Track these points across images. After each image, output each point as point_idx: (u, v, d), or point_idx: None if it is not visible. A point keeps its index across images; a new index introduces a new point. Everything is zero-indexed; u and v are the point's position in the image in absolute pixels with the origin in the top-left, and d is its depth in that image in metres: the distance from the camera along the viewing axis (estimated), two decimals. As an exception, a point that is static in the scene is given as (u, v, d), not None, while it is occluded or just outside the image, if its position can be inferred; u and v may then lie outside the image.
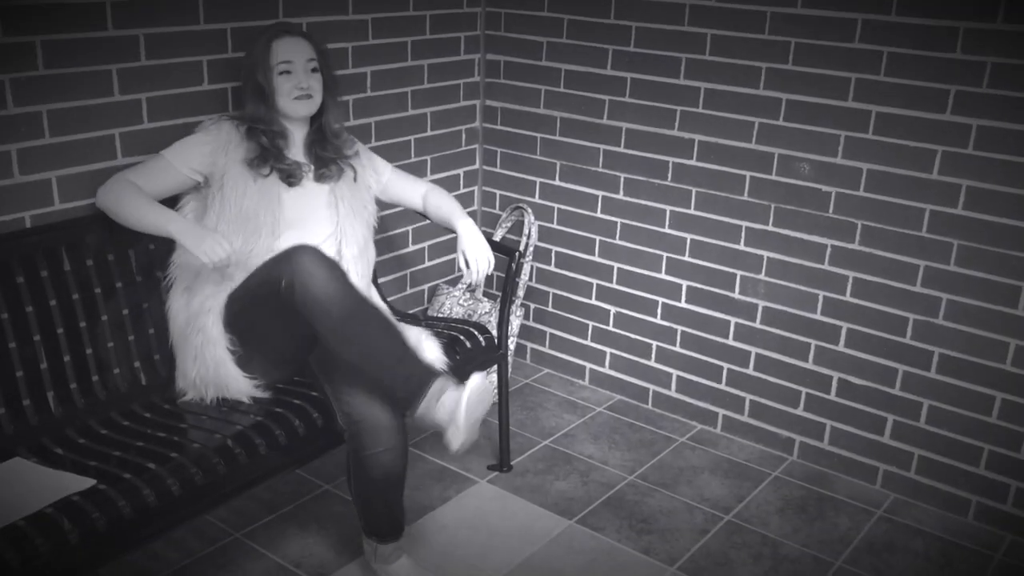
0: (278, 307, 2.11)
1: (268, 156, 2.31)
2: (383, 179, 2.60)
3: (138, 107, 2.36)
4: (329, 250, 2.39)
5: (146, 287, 2.36)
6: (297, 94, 2.31)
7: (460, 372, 2.55)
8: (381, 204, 2.63)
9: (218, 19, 2.47)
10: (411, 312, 3.23)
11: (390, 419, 2.12)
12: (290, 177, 2.34)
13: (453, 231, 2.55)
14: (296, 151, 2.40)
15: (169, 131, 2.43)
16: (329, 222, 2.40)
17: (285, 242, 2.31)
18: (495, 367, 2.92)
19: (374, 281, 2.67)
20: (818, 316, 2.82)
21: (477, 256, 2.48)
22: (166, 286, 2.35)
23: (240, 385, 2.24)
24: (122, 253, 2.31)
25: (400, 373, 2.08)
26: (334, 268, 2.09)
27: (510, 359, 3.16)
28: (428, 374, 2.09)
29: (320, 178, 2.41)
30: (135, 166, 2.27)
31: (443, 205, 2.60)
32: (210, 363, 2.21)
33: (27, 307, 2.14)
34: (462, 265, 2.49)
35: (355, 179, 2.47)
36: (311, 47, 2.34)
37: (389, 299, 3.07)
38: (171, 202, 2.31)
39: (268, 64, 2.30)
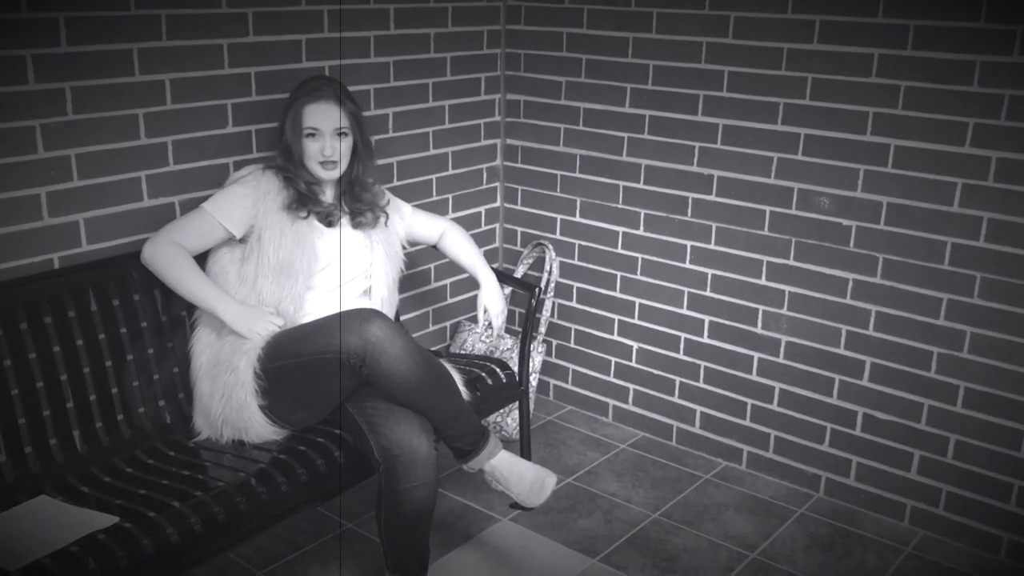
0: (335, 371, 2.17)
1: (306, 200, 2.36)
2: (406, 221, 2.65)
3: (164, 150, 2.42)
4: (359, 288, 2.45)
5: (171, 326, 2.39)
6: (321, 159, 2.35)
7: (481, 408, 2.56)
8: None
9: (242, 63, 2.53)
10: (433, 349, 3.25)
11: (427, 451, 2.17)
12: (328, 217, 2.40)
13: (474, 278, 2.68)
14: (330, 197, 2.45)
15: (194, 173, 2.48)
16: (362, 264, 2.46)
17: (319, 286, 2.36)
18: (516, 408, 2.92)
19: (397, 319, 2.70)
20: (841, 351, 2.80)
21: (497, 311, 2.64)
22: (191, 324, 2.39)
23: (261, 430, 2.28)
24: (147, 293, 2.35)
25: (457, 430, 2.26)
26: (406, 339, 2.19)
27: (532, 396, 3.16)
28: (482, 433, 2.29)
29: (357, 225, 2.47)
30: (179, 222, 2.30)
31: (466, 252, 2.71)
32: (235, 404, 2.24)
33: (54, 347, 2.18)
34: (481, 317, 2.65)
35: (386, 224, 2.53)
36: (344, 114, 2.35)
37: (411, 335, 3.09)
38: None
39: (298, 127, 2.33)
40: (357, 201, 2.46)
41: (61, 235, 2.27)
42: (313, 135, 2.33)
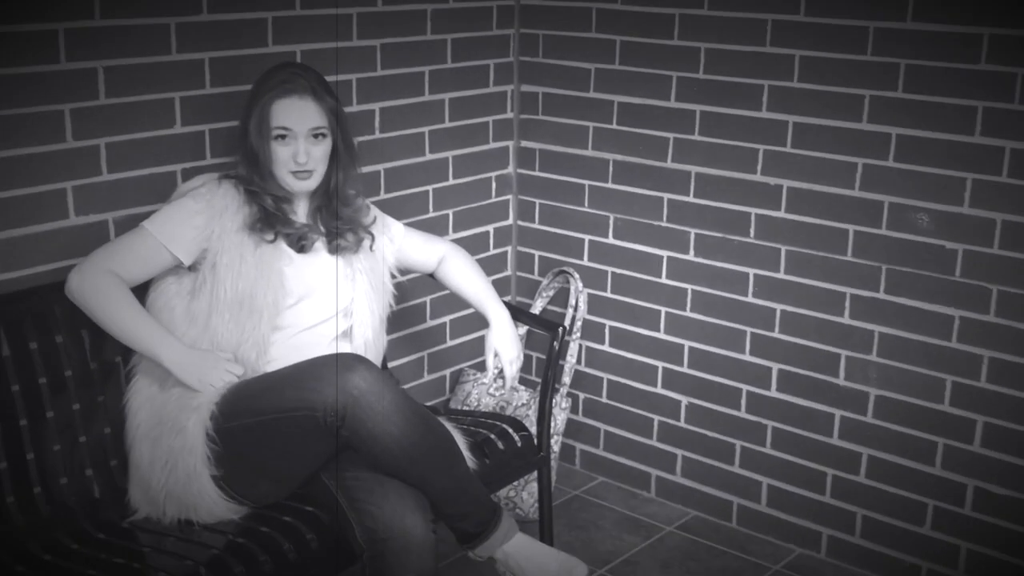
0: (307, 431, 2.18)
1: (273, 220, 2.37)
2: (396, 244, 2.66)
3: (95, 155, 2.44)
4: (334, 331, 2.45)
5: (102, 375, 2.40)
6: (294, 167, 2.36)
7: (490, 480, 2.56)
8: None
9: (194, 48, 2.56)
10: (429, 404, 3.25)
11: (423, 534, 2.16)
12: (301, 240, 2.41)
13: (482, 315, 2.69)
14: (302, 215, 2.47)
15: (132, 183, 2.50)
16: (341, 299, 2.47)
17: (288, 325, 2.37)
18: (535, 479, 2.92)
19: (384, 366, 2.70)
20: (946, 407, 2.79)
21: (511, 358, 2.65)
22: (128, 373, 2.39)
23: (213, 507, 2.27)
24: (73, 334, 2.36)
25: (462, 508, 2.27)
26: (396, 392, 2.20)
27: (554, 464, 3.15)
28: (493, 512, 2.30)
29: (336, 250, 2.47)
30: (113, 245, 2.32)
31: (470, 282, 2.72)
32: (181, 474, 2.24)
33: (-44, 401, 2.19)
34: (491, 364, 2.65)
35: (372, 248, 2.54)
36: (321, 112, 2.37)
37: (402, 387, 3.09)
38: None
39: (265, 128, 2.34)
40: (335, 219, 2.48)
41: (-34, 261, 2.30)
42: (283, 137, 2.35)
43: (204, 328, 2.32)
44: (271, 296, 2.33)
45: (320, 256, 2.46)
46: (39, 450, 2.28)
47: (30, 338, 2.30)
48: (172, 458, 2.25)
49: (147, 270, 2.32)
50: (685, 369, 3.24)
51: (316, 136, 2.37)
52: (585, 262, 3.38)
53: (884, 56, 2.71)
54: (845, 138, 2.81)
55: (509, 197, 3.49)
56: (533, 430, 2.77)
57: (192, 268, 2.34)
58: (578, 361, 3.42)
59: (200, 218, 2.32)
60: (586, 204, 3.33)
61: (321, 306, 2.44)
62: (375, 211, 2.63)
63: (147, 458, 2.30)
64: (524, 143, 3.44)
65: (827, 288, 2.92)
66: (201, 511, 2.27)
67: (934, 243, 2.74)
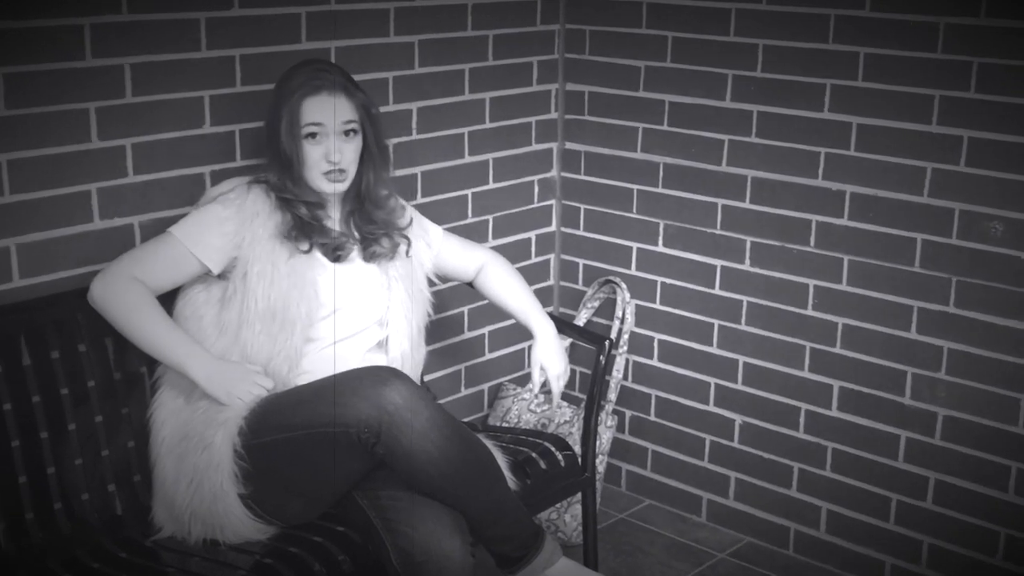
0: (340, 448, 2.19)
1: (309, 230, 2.38)
2: (434, 249, 2.67)
3: (121, 155, 2.47)
4: (371, 340, 2.47)
5: (126, 387, 2.42)
6: (326, 168, 2.37)
7: (532, 501, 2.56)
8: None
9: (224, 44, 2.59)
10: (467, 420, 3.26)
11: (462, 557, 2.17)
12: (337, 250, 2.42)
13: (525, 327, 2.69)
14: (336, 222, 2.49)
15: (159, 186, 2.53)
16: (376, 309, 2.48)
17: (321, 336, 2.39)
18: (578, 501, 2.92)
19: (421, 381, 2.71)
20: (1021, 430, 2.77)
21: (558, 373, 2.65)
22: (153, 385, 2.42)
23: (240, 527, 2.29)
24: (96, 343, 2.39)
25: (502, 530, 2.27)
26: (433, 408, 2.21)
27: (599, 486, 3.14)
28: (535, 535, 2.30)
29: (370, 257, 2.48)
30: (139, 251, 2.34)
31: (512, 292, 2.72)
32: (207, 492, 2.26)
33: (-26, 412, 2.22)
34: (536, 380, 2.65)
35: (408, 253, 2.55)
36: (352, 106, 2.39)
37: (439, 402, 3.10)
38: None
39: (295, 127, 2.35)
40: (369, 223, 2.49)
41: (-14, 266, 2.33)
42: (314, 135, 2.36)
43: (234, 339, 2.34)
44: (304, 308, 2.35)
45: (355, 264, 2.47)
46: (60, 464, 2.31)
47: (52, 347, 2.33)
48: (197, 476, 2.27)
49: (174, 278, 2.34)
50: (739, 386, 3.22)
51: (348, 133, 2.38)
52: (633, 271, 3.37)
53: (955, 54, 2.70)
54: (913, 141, 2.80)
55: (552, 202, 3.50)
56: (577, 449, 2.77)
57: (222, 276, 2.36)
58: (625, 377, 3.42)
59: (230, 225, 2.34)
60: (634, 210, 3.33)
61: (356, 317, 2.45)
62: (412, 212, 2.63)
63: (172, 475, 2.32)
64: (569, 145, 3.44)
65: (892, 301, 2.90)
66: (227, 531, 2.29)
67: (1008, 253, 2.71)
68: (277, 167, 2.39)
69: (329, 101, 2.36)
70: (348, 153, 2.39)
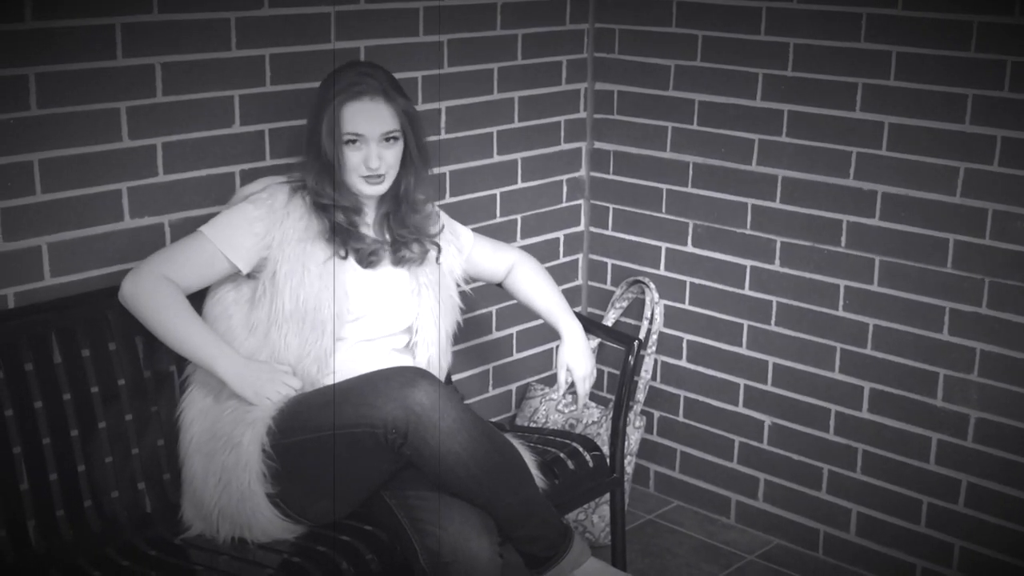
0: (367, 448, 2.20)
1: (346, 237, 2.39)
2: (464, 254, 2.67)
3: (151, 154, 2.49)
4: (398, 344, 2.48)
5: (156, 385, 2.44)
6: (366, 173, 2.38)
7: (560, 502, 2.56)
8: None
9: (254, 43, 2.60)
10: (494, 420, 3.26)
11: (490, 557, 2.18)
12: (371, 256, 2.43)
13: (553, 327, 2.69)
14: (371, 226, 2.49)
15: (189, 185, 2.55)
16: (405, 315, 2.49)
17: (349, 336, 2.40)
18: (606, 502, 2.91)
19: (448, 381, 2.72)
20: (1055, 432, 2.75)
21: (584, 374, 2.65)
22: (182, 384, 2.43)
23: (268, 526, 2.30)
24: (127, 341, 2.41)
25: (531, 530, 2.27)
26: (461, 408, 2.22)
27: (627, 487, 3.14)
28: (564, 535, 2.30)
29: (399, 261, 2.49)
30: (169, 250, 2.36)
31: (541, 292, 2.73)
32: (235, 491, 2.27)
33: (6, 411, 2.23)
34: (562, 380, 2.65)
35: (438, 259, 2.56)
36: (393, 114, 2.38)
37: (466, 402, 3.11)
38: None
39: (336, 132, 2.35)
40: (402, 226, 2.49)
41: (18, 265, 2.34)
42: (354, 142, 2.36)
43: (263, 340, 2.35)
44: (335, 310, 2.36)
45: (385, 269, 2.48)
46: (90, 462, 2.33)
47: (83, 345, 2.35)
48: (226, 475, 2.28)
49: (204, 277, 2.35)
50: (769, 387, 3.22)
51: (388, 140, 2.38)
52: (662, 271, 3.37)
53: (988, 53, 2.68)
54: (945, 140, 2.78)
55: (581, 202, 3.49)
56: (605, 450, 2.77)
57: (251, 276, 2.37)
58: (653, 377, 3.42)
59: (260, 225, 2.34)
60: (663, 210, 3.33)
61: (385, 321, 2.46)
62: (444, 218, 2.64)
63: (200, 473, 2.33)
64: (598, 144, 3.44)
65: (924, 302, 2.89)
66: (255, 530, 2.30)
67: (1042, 254, 2.70)
68: (316, 169, 2.39)
69: (369, 108, 2.36)
70: (388, 158, 2.39)
